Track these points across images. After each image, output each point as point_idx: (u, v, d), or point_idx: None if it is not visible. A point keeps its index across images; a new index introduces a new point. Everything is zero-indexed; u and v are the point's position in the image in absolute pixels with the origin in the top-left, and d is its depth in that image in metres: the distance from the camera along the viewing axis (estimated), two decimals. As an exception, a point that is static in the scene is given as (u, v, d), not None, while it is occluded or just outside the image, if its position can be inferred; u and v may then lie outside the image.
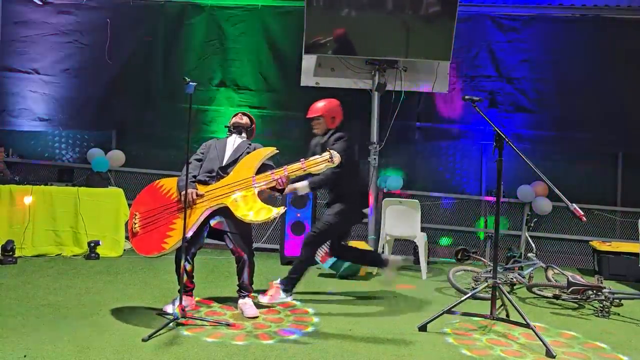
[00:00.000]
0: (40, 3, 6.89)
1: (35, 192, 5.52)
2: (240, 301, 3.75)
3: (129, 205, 4.42)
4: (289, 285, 4.09)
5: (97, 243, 5.46)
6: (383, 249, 5.57)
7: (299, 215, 5.83)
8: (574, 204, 3.17)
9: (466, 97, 3.70)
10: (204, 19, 6.88)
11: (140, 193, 3.82)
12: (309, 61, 6.41)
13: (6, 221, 5.40)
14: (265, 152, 3.72)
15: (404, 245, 6.53)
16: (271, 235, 6.64)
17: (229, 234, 3.63)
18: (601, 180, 6.72)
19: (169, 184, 3.73)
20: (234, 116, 4.05)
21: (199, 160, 3.82)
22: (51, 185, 5.76)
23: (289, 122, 6.76)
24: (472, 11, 6.73)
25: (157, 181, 3.80)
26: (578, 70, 6.61)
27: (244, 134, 3.96)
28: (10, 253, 5.04)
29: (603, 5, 6.55)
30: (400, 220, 5.38)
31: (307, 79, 6.42)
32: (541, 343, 3.11)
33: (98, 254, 5.45)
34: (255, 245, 6.52)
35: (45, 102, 6.88)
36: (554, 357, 3.01)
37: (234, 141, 3.88)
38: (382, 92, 6.35)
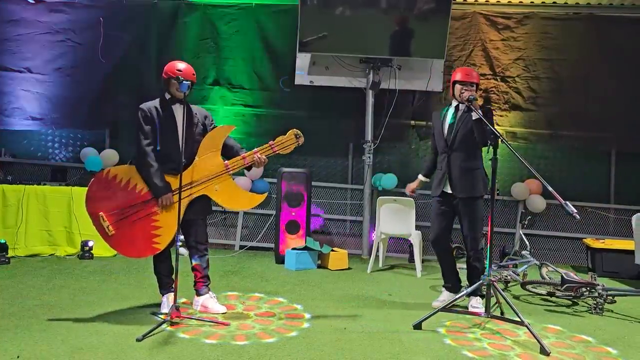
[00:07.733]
0: (33, 1, 6.84)
1: (28, 191, 5.49)
2: (207, 296, 3.65)
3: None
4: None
5: (87, 245, 5.43)
6: (378, 247, 5.58)
7: (293, 214, 5.83)
8: (567, 202, 3.18)
9: (460, 95, 3.71)
10: (198, 18, 6.86)
11: (90, 188, 3.46)
12: (303, 60, 6.40)
13: (-1, 221, 5.37)
14: (227, 131, 3.66)
15: (399, 244, 6.54)
16: (266, 234, 6.63)
17: (196, 221, 3.60)
18: (594, 178, 6.75)
19: (122, 173, 3.46)
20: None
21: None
22: (44, 184, 5.73)
23: (283, 121, 6.72)
24: (466, 9, 6.74)
25: (106, 170, 3.47)
26: (572, 69, 6.64)
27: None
28: (3, 253, 5.01)
29: (596, 3, 6.58)
30: (395, 218, 5.39)
31: (301, 78, 6.42)
32: (535, 340, 3.12)
33: (92, 254, 5.43)
34: (249, 244, 6.61)
35: (37, 101, 6.83)
36: (549, 354, 3.02)
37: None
38: (376, 91, 6.35)
